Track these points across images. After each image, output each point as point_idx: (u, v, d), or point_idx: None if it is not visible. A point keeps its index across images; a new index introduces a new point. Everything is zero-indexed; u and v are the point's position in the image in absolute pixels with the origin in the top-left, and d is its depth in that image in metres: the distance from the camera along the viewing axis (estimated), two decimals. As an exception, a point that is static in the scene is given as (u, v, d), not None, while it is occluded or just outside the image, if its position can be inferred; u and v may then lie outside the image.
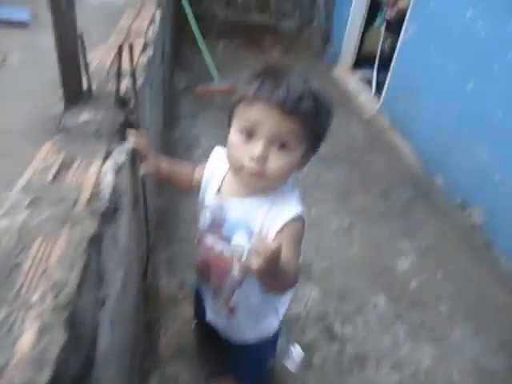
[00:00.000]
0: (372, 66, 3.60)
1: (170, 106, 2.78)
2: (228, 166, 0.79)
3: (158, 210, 1.83)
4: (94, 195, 0.65)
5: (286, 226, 0.75)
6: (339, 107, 3.25)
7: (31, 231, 0.56)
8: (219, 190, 0.83)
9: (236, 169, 0.75)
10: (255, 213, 0.77)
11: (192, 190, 0.94)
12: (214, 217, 0.83)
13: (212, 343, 1.15)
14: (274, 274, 0.64)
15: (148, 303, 1.40)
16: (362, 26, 3.73)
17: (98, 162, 0.75)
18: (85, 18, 1.88)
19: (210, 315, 1.02)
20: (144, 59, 1.31)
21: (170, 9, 2.75)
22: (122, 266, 0.84)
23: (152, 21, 1.75)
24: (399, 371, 1.36)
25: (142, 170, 0.89)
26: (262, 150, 0.69)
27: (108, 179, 0.71)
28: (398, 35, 2.88)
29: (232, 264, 0.84)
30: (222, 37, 4.01)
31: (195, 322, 1.29)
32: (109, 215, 0.69)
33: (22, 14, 1.56)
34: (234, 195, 0.80)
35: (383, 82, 3.11)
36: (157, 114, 1.88)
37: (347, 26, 3.74)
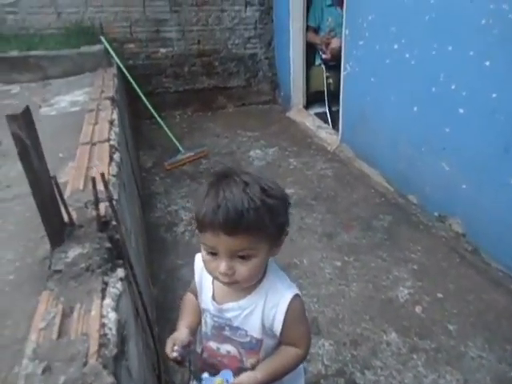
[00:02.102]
0: (324, 102, 3.82)
1: (143, 188, 2.83)
2: None
3: (155, 301, 1.82)
4: (102, 343, 0.68)
5: (288, 311, 0.80)
6: (303, 147, 3.41)
7: (52, 404, 0.57)
8: (213, 295, 0.86)
9: (214, 279, 0.80)
10: (253, 310, 0.81)
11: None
12: (214, 321, 0.85)
13: None
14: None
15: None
16: (304, 66, 3.98)
17: (97, 302, 0.77)
18: (46, 130, 1.96)
19: None
20: (114, 169, 1.37)
21: (121, 92, 2.87)
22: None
23: (112, 123, 1.83)
24: (429, 406, 1.37)
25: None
26: (225, 266, 0.73)
27: (111, 318, 0.74)
28: (339, 71, 3.09)
29: (242, 358, 0.86)
30: (177, 107, 4.17)
31: None
32: (119, 352, 0.71)
33: (-15, 150, 1.60)
34: (229, 299, 0.83)
35: (338, 115, 3.29)
36: (133, 206, 1.92)
37: (291, 70, 3.98)
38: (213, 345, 0.88)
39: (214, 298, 0.85)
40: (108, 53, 3.26)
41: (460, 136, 2.04)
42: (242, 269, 0.74)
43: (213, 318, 0.85)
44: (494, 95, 1.80)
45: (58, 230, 0.95)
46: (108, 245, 0.94)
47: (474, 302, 1.79)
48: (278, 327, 0.81)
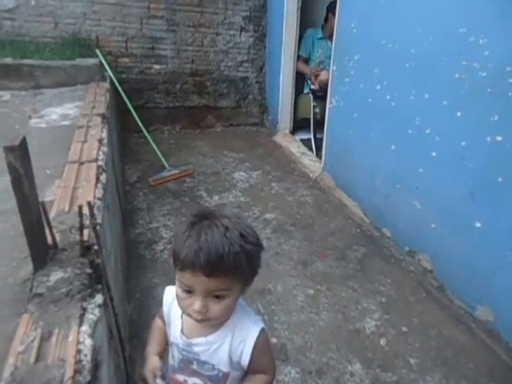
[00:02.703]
0: (309, 129, 3.95)
1: (126, 203, 2.86)
2: None
3: (129, 318, 1.85)
4: (77, 369, 0.72)
5: (255, 346, 0.86)
6: (286, 173, 3.52)
7: (26, 427, 0.62)
8: (182, 329, 0.90)
9: (186, 315, 0.84)
10: (221, 345, 0.86)
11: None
12: (183, 355, 0.89)
13: None
14: None
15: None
16: (293, 94, 4.13)
17: (74, 328, 0.82)
18: (35, 143, 2.00)
19: None
20: (100, 191, 1.42)
21: (112, 106, 2.92)
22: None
23: (101, 142, 1.88)
24: None
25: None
26: (199, 305, 0.78)
27: (87, 345, 0.78)
28: (326, 102, 3.23)
29: None
30: (166, 123, 4.24)
31: None
32: (92, 378, 0.76)
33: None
34: (198, 334, 0.87)
35: (322, 143, 3.41)
36: (114, 223, 1.96)
37: (280, 96, 4.12)
38: (180, 377, 0.92)
39: (182, 331, 0.89)
40: (102, 65, 3.32)
41: (432, 177, 2.16)
42: (216, 308, 0.79)
43: (181, 352, 0.89)
44: (464, 143, 1.93)
45: (42, 253, 1.00)
46: (89, 270, 0.99)
47: (435, 338, 1.88)
48: (245, 360, 0.86)
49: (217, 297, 0.79)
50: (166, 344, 0.98)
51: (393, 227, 2.53)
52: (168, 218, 2.73)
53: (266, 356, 0.90)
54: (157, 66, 4.04)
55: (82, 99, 2.73)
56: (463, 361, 1.76)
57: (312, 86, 3.84)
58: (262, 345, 0.88)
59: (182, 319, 0.90)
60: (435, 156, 2.12)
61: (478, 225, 1.89)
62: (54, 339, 0.79)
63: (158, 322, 1.01)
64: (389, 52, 2.39)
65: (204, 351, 0.86)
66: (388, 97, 2.44)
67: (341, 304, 2.06)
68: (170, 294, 0.94)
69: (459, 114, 1.94)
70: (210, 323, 0.84)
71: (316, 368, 1.69)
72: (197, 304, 0.78)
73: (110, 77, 3.33)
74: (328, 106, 3.18)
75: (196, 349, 0.87)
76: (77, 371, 0.72)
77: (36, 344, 0.78)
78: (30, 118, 2.37)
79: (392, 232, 2.54)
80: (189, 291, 0.79)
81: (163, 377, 0.88)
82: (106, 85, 3.06)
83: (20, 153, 0.86)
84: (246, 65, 4.35)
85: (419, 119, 2.21)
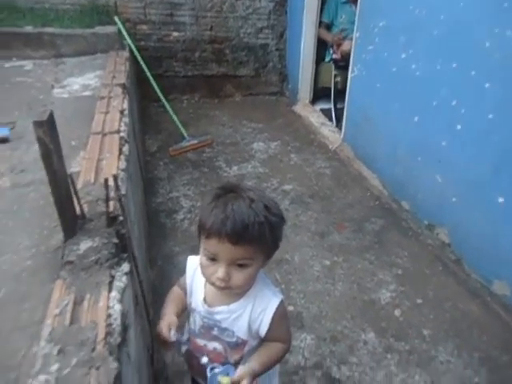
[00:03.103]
0: (330, 99, 3.87)
1: (147, 172, 2.92)
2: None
3: (151, 284, 1.94)
4: (108, 332, 0.78)
5: (274, 317, 0.91)
6: (305, 144, 3.48)
7: (66, 381, 0.68)
8: (205, 298, 0.93)
9: (209, 283, 0.88)
10: (242, 314, 0.91)
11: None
12: (204, 322, 0.94)
13: None
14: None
15: (158, 382, 1.50)
16: (314, 62, 4.01)
17: (104, 294, 0.88)
18: (59, 114, 2.04)
19: None
20: (123, 163, 1.45)
21: (131, 75, 2.93)
22: (136, 374, 0.96)
23: (122, 113, 1.90)
24: (396, 403, 1.50)
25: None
26: (223, 273, 0.82)
27: (116, 310, 0.84)
28: (347, 71, 3.14)
29: (227, 355, 0.97)
30: (185, 92, 4.22)
31: None
32: (122, 340, 0.82)
33: (2, 131, 1.69)
34: (220, 303, 0.92)
35: (342, 114, 3.35)
36: (137, 193, 2.01)
37: (300, 64, 4.01)
38: (200, 342, 0.97)
39: (205, 300, 0.93)
40: (121, 33, 3.30)
41: (455, 151, 2.12)
42: (238, 276, 0.83)
43: (202, 319, 0.94)
44: (491, 116, 1.87)
45: (71, 223, 1.05)
46: (115, 240, 1.04)
47: (450, 310, 1.90)
48: (263, 330, 0.91)
49: (240, 265, 0.82)
50: (182, 309, 1.00)
51: (412, 200, 2.52)
52: (188, 187, 2.78)
53: (283, 326, 0.95)
54: (175, 33, 3.98)
55: (102, 68, 2.74)
56: (476, 333, 1.79)
57: (334, 56, 3.72)
58: (280, 316, 0.92)
59: (205, 288, 0.94)
60: (460, 129, 2.06)
61: (500, 200, 1.86)
62: (85, 304, 0.85)
63: (176, 289, 1.04)
64: (416, 18, 2.28)
65: (225, 319, 0.91)
66: (413, 66, 2.36)
67: (357, 275, 2.10)
68: (193, 263, 0.98)
69: (488, 85, 1.86)
70: (231, 292, 0.88)
71: (330, 335, 1.75)
72: (220, 271, 0.81)
73: (129, 45, 3.31)
74: (350, 75, 3.09)
75: (217, 317, 0.91)
76: (108, 333, 0.78)
77: (70, 308, 0.84)
78: (52, 88, 2.41)
79: (411, 205, 2.52)
80: (213, 259, 0.83)
81: (179, 330, 0.92)
82: (126, 53, 3.06)
83: (48, 128, 0.90)
84: (266, 31, 4.23)
85: (445, 90, 2.13)
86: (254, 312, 0.90)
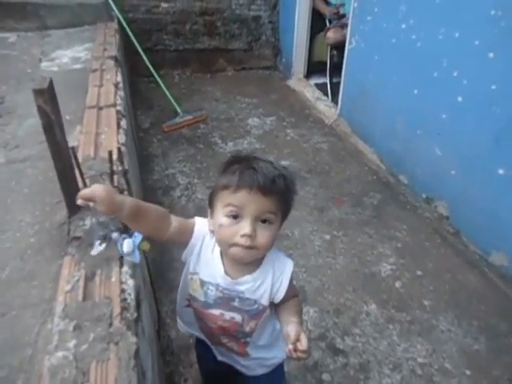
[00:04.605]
0: (325, 73, 3.80)
1: (141, 149, 2.85)
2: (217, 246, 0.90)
3: (153, 262, 1.92)
4: (123, 307, 0.76)
5: (291, 277, 0.94)
6: (301, 119, 3.43)
7: (85, 357, 0.66)
8: (226, 271, 0.90)
9: (229, 245, 0.84)
10: (265, 280, 0.91)
11: (167, 237, 0.89)
12: (224, 294, 0.92)
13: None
14: None
15: (165, 357, 1.50)
16: (308, 34, 3.91)
17: (116, 269, 0.85)
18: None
19: (220, 357, 1.11)
20: (122, 137, 1.40)
21: (122, 49, 2.81)
22: (150, 350, 0.95)
23: (117, 86, 1.83)
24: (399, 371, 1.53)
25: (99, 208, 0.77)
26: (250, 228, 0.80)
27: (129, 285, 0.82)
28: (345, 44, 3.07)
29: (243, 323, 0.96)
30: (176, 67, 4.10)
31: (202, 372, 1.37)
32: (138, 315, 0.80)
33: (-9, 106, 1.61)
34: (243, 273, 0.90)
35: (338, 88, 3.29)
36: (135, 169, 1.96)
37: (294, 37, 3.91)
38: (215, 312, 0.95)
39: (226, 273, 0.90)
40: (108, 4, 3.15)
41: (456, 123, 2.10)
42: (263, 233, 0.82)
43: (222, 291, 0.91)
44: (494, 87, 1.85)
45: (75, 198, 1.01)
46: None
47: (449, 281, 1.93)
48: (283, 292, 0.92)
49: (264, 221, 0.82)
50: (151, 218, 0.85)
51: (410, 174, 2.51)
52: (184, 164, 2.73)
53: (293, 286, 0.98)
54: (164, 4, 3.82)
55: (91, 41, 2.62)
56: (475, 303, 1.83)
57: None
58: (291, 277, 0.95)
59: (223, 261, 0.91)
60: (461, 101, 2.04)
61: (500, 172, 1.87)
62: (97, 279, 0.83)
63: (168, 215, 0.90)
64: (418, -14, 2.22)
65: (249, 288, 0.90)
66: (414, 37, 2.31)
67: (357, 249, 2.11)
68: (201, 227, 0.93)
69: (491, 55, 1.83)
70: (253, 257, 0.85)
71: (333, 308, 1.77)
72: (247, 227, 0.80)
73: (117, 16, 3.16)
74: (347, 47, 3.02)
75: (242, 287, 0.90)
76: (124, 309, 0.76)
77: (81, 284, 0.81)
78: (40, 61, 2.30)
79: (409, 179, 2.53)
80: (236, 217, 0.81)
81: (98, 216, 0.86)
82: (115, 25, 2.93)
83: (49, 96, 0.84)
84: (259, 2, 4.09)
85: (446, 61, 2.09)
86: (275, 275, 0.92)
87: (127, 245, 0.83)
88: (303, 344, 0.81)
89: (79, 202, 0.78)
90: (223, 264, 0.91)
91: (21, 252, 0.94)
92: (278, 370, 1.16)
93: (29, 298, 0.82)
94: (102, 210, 0.76)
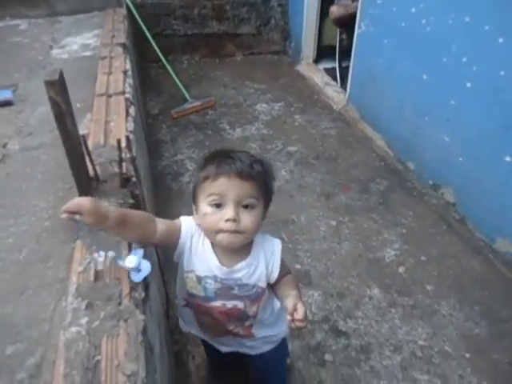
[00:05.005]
0: (334, 58, 3.76)
1: (150, 135, 2.89)
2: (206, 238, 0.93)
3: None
4: (132, 287, 0.81)
5: (281, 255, 0.99)
6: (309, 104, 3.42)
7: (96, 332, 0.72)
8: (220, 262, 0.93)
9: (216, 232, 0.86)
10: (259, 263, 0.95)
11: (157, 241, 0.91)
12: (223, 284, 0.94)
13: (231, 369, 1.34)
14: None
15: (173, 336, 1.57)
16: (318, 18, 3.86)
17: (125, 252, 0.90)
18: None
19: (225, 349, 1.15)
20: (131, 124, 1.44)
21: (131, 35, 2.84)
22: (158, 328, 1.00)
23: (125, 73, 1.86)
24: (400, 353, 1.58)
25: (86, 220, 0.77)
26: (233, 212, 0.83)
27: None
28: (353, 27, 3.03)
29: (246, 308, 1.00)
30: (185, 52, 4.10)
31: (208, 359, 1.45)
32: (146, 295, 0.85)
33: (5, 94, 1.65)
34: (236, 261, 0.93)
35: (347, 73, 3.27)
36: (143, 155, 2.01)
37: (303, 21, 3.86)
38: (217, 303, 0.98)
39: (221, 263, 0.93)
40: (117, -11, 3.15)
41: (464, 109, 2.09)
42: (247, 218, 0.85)
43: (221, 281, 0.94)
44: (502, 73, 1.82)
45: (86, 184, 1.05)
46: (131, 200, 1.05)
47: (453, 267, 1.96)
48: (277, 270, 0.96)
49: (246, 207, 0.85)
50: (135, 226, 0.86)
51: (417, 160, 2.51)
52: (192, 150, 2.77)
53: (284, 261, 1.01)
54: (173, -11, 3.80)
55: (100, 27, 2.65)
56: (478, 288, 1.85)
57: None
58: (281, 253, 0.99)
59: (215, 252, 0.93)
60: (470, 87, 2.02)
61: (508, 159, 1.86)
62: (107, 262, 0.88)
63: (152, 218, 0.92)
64: (428, -32, 2.17)
65: (245, 274, 0.94)
66: (423, 21, 2.27)
67: (362, 234, 2.13)
68: (189, 225, 0.95)
69: (501, 40, 1.80)
70: (241, 242, 0.87)
71: (337, 291, 1.81)
72: (229, 211, 0.83)
73: (126, 2, 3.17)
74: (356, 31, 2.98)
75: (238, 274, 0.94)
76: (132, 289, 0.81)
77: (93, 265, 0.86)
78: (51, 48, 2.34)
79: (416, 165, 2.53)
80: (218, 205, 0.84)
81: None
82: (123, 11, 2.94)
83: (60, 87, 0.88)
84: (268, -15, 4.04)
85: (456, 46, 2.07)
86: (267, 256, 0.96)
87: (129, 260, 0.84)
88: (299, 313, 0.84)
89: (64, 215, 0.77)
90: (216, 255, 0.93)
91: (36, 235, 1.00)
92: (282, 347, 1.22)
93: (44, 278, 0.87)
94: (89, 221, 0.76)
